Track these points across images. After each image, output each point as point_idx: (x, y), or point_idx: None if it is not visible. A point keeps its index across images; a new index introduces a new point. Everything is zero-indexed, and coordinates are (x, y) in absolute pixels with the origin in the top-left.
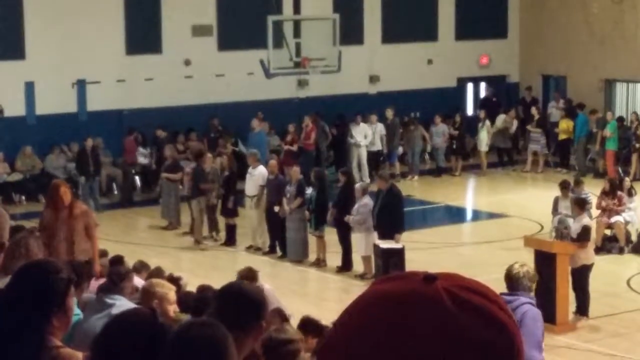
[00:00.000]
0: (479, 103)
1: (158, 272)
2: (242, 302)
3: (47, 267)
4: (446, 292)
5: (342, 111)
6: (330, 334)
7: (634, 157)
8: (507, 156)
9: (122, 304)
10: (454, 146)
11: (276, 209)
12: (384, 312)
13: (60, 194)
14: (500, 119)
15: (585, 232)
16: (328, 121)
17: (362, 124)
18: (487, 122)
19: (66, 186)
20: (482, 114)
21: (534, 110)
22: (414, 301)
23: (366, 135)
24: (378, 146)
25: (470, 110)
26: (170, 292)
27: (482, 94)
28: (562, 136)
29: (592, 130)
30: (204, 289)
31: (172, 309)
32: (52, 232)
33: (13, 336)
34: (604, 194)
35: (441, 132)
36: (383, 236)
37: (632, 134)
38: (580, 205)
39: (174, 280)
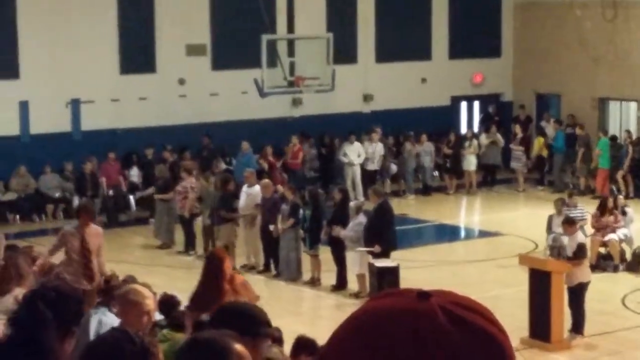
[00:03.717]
0: (480, 119)
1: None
2: (237, 321)
3: (64, 291)
4: (441, 309)
5: (335, 130)
6: (325, 351)
7: (619, 174)
8: (491, 175)
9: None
10: (448, 165)
11: (271, 227)
12: (379, 329)
13: (224, 269)
14: (487, 135)
15: (580, 249)
16: (320, 140)
17: (356, 143)
18: (475, 142)
19: (228, 257)
20: (469, 133)
21: (517, 129)
22: (408, 318)
23: (359, 154)
24: (376, 165)
25: (464, 129)
26: (152, 299)
27: (478, 112)
28: (533, 153)
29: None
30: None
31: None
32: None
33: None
34: (599, 211)
35: (428, 151)
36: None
37: (625, 152)
38: (570, 223)
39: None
